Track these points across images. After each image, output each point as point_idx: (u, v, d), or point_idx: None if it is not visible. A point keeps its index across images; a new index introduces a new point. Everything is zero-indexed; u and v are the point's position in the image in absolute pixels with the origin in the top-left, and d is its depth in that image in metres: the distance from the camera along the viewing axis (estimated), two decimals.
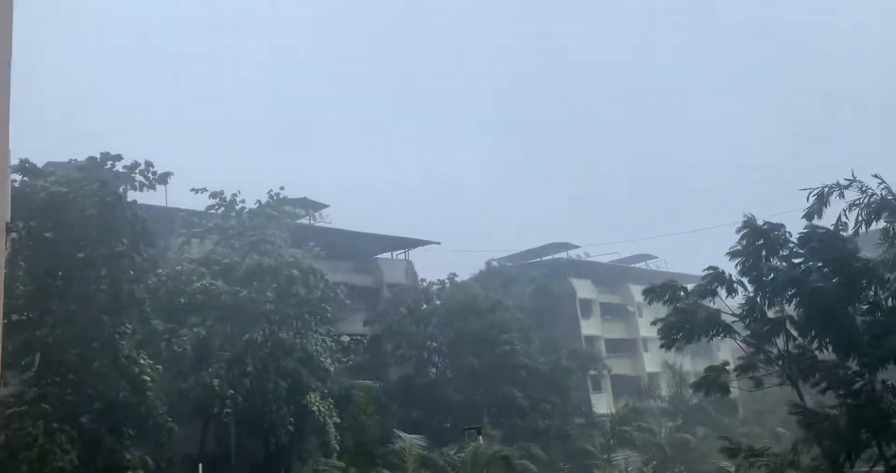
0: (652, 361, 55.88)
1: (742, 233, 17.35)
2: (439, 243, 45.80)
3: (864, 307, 15.60)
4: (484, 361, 37.39)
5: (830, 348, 16.05)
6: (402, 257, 45.96)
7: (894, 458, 15.77)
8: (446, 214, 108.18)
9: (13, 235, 21.11)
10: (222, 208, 29.76)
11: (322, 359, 27.65)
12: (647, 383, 55.22)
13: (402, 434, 25.93)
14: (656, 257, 64.34)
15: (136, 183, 24.26)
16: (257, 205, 30.12)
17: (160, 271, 25.53)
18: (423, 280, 43.08)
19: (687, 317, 18.03)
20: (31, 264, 21.50)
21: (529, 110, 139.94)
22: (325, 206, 42.00)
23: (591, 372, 47.62)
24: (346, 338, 32.27)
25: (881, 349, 14.76)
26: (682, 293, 18.50)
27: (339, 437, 26.91)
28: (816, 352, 16.69)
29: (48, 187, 21.82)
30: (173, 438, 24.20)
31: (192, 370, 25.53)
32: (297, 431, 27.10)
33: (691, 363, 47.84)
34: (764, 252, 17.18)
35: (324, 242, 33.41)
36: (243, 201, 30.03)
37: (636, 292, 55.02)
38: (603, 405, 49.58)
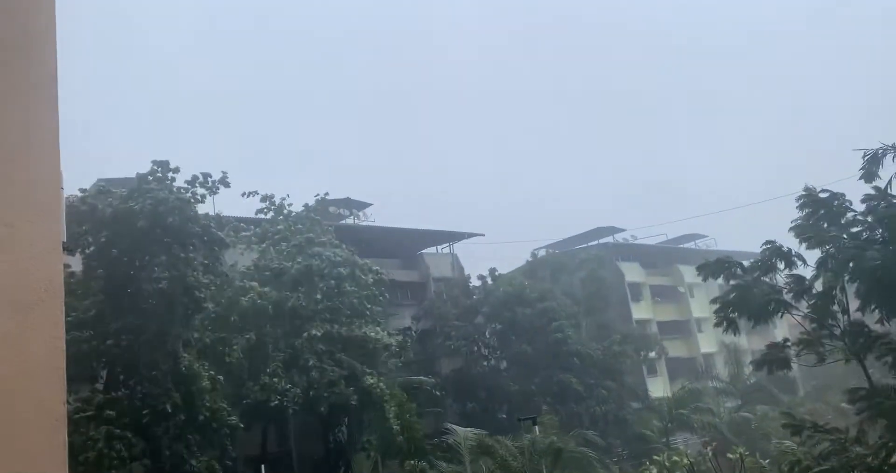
0: (706, 341, 55.05)
1: (802, 204, 16.66)
2: (483, 236, 45.86)
3: None
4: (536, 349, 37.33)
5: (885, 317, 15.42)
6: (446, 251, 46.09)
7: None
8: (490, 205, 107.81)
9: (81, 250, 22.08)
10: (271, 212, 30.12)
11: (380, 347, 27.95)
12: (702, 364, 54.40)
13: (457, 428, 26.00)
14: (706, 236, 63.29)
15: (198, 194, 24.52)
16: (304, 208, 30.50)
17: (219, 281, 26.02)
18: (470, 276, 43.00)
19: (746, 293, 17.42)
20: (101, 278, 22.28)
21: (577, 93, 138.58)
22: (367, 204, 42.35)
23: (647, 355, 47.08)
24: (397, 336, 32.45)
25: None
26: (738, 270, 17.93)
27: (398, 430, 27.11)
28: (878, 325, 16.12)
29: (114, 203, 22.51)
30: (237, 441, 24.79)
31: (251, 375, 26.04)
32: (356, 425, 27.45)
33: (747, 342, 46.95)
34: (825, 224, 16.51)
35: (368, 240, 33.73)
36: (291, 205, 30.39)
37: (686, 272, 54.27)
38: (659, 388, 49.03)
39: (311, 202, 30.97)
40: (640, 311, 55.18)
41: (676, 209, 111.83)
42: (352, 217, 41.21)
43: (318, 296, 27.57)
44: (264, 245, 29.45)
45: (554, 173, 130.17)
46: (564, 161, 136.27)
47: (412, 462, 25.80)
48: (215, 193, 24.86)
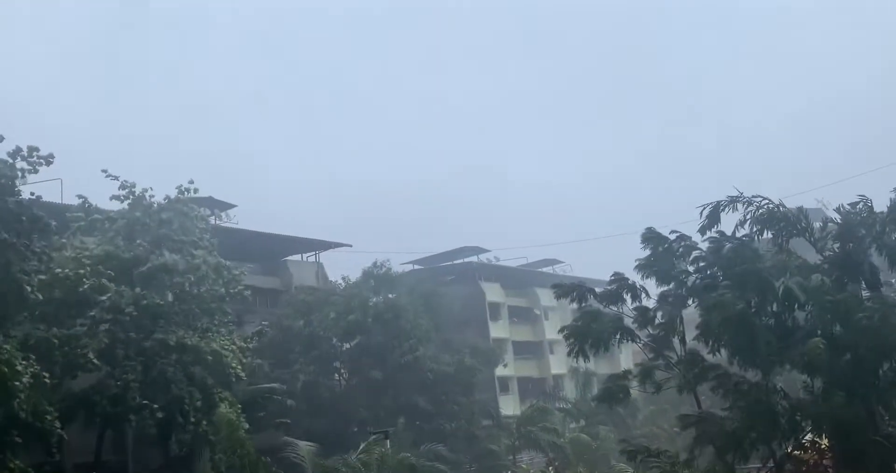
0: (557, 363, 57.12)
1: (646, 242, 17.95)
2: (350, 246, 45.47)
3: (766, 317, 16.37)
4: (390, 364, 37.03)
5: (728, 353, 16.74)
6: (313, 259, 45.31)
7: (782, 457, 16.68)
8: (365, 218, 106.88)
9: None
10: (128, 201, 28.21)
11: (228, 361, 26.76)
12: (552, 384, 56.50)
13: (300, 443, 25.42)
14: (563, 262, 65.92)
15: (20, 170, 21.49)
16: (166, 200, 28.66)
17: (57, 270, 24.01)
18: (340, 282, 41.96)
19: (593, 320, 18.40)
20: None
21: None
22: (231, 206, 40.87)
23: (497, 371, 48.11)
24: (250, 342, 31.32)
25: (778, 355, 15.55)
26: (590, 296, 18.94)
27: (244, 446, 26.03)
28: (710, 356, 17.45)
29: None
30: (65, 446, 23.10)
31: (95, 375, 24.53)
32: (202, 437, 26.19)
33: (595, 365, 49.22)
34: (671, 260, 17.80)
35: (229, 243, 32.49)
36: (153, 196, 28.48)
37: (543, 295, 56.22)
38: (510, 406, 50.35)
39: (174, 195, 28.99)
40: (497, 330, 56.50)
41: (537, 235, 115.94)
42: (213, 217, 39.67)
43: (171, 299, 26.17)
44: (111, 235, 27.48)
45: (433, 190, 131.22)
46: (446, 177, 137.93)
47: None
48: (36, 171, 21.97)
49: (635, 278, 18.39)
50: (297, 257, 45.05)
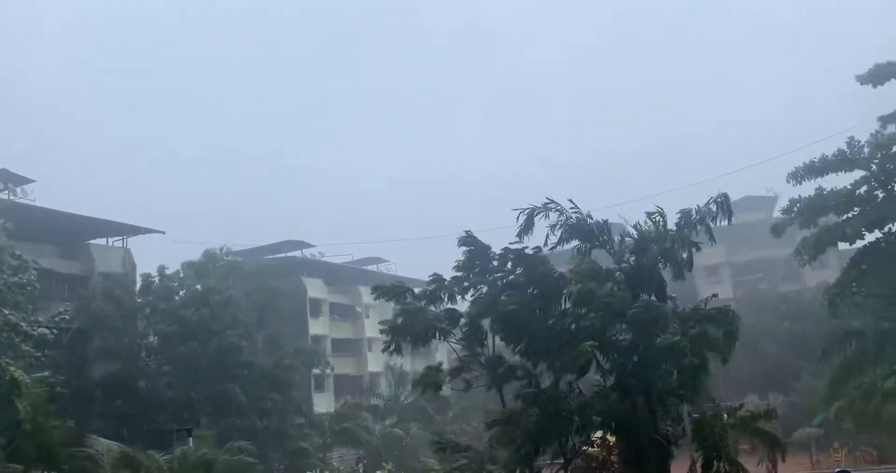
0: (375, 361, 57.42)
1: (462, 247, 18.80)
2: (163, 233, 42.86)
3: (551, 321, 17.60)
4: (204, 357, 35.66)
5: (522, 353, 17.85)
6: (120, 244, 42.19)
7: (572, 451, 17.87)
8: (191, 208, 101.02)
9: None
10: None
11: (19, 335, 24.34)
12: (368, 382, 56.74)
13: (99, 439, 23.69)
14: (388, 261, 66.46)
15: None
16: None
17: None
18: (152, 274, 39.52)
19: (411, 319, 19.00)
20: None
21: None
22: (29, 180, 37.18)
23: (315, 371, 47.68)
24: (44, 330, 28.72)
25: (565, 355, 16.68)
26: (408, 297, 19.50)
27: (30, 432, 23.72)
28: (515, 357, 18.46)
29: None
30: None
31: None
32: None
33: (411, 364, 50.01)
34: (485, 264, 18.70)
35: (24, 221, 29.58)
36: None
37: (365, 293, 56.29)
38: (325, 404, 49.94)
39: None
40: (317, 327, 55.98)
41: (365, 232, 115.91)
42: (7, 192, 35.90)
43: None
44: None
45: (258, 182, 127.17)
46: (269, 169, 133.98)
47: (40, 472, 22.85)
48: None
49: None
50: (102, 241, 41.73)
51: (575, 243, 18.06)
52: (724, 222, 17.99)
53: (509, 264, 18.52)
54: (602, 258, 18.63)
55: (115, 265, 39.79)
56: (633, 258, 18.21)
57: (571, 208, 17.84)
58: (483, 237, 19.17)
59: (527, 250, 18.30)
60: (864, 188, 27.55)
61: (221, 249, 43.63)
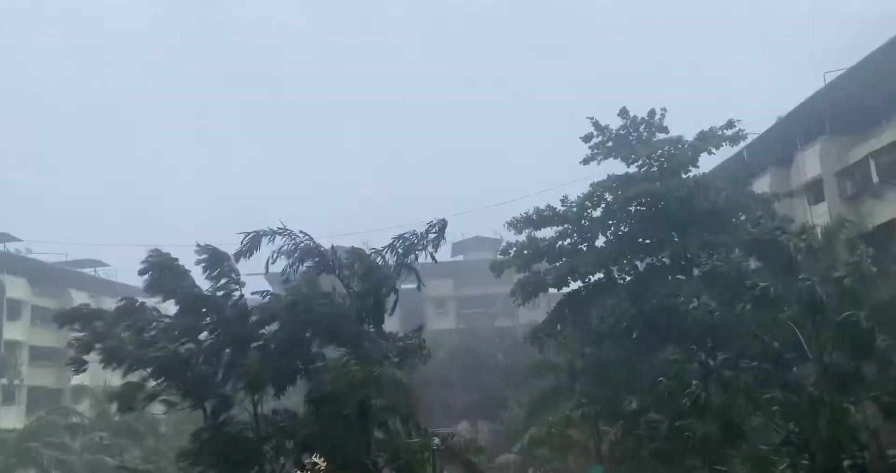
0: (81, 374, 52.21)
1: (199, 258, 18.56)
2: None
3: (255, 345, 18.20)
4: None
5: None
6: None
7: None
8: None
9: None
10: None
11: None
12: (72, 396, 51.54)
13: None
14: (108, 266, 61.12)
15: None
16: None
17: None
18: None
19: (98, 338, 19.17)
20: None
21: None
22: None
23: (2, 381, 42.31)
24: None
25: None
26: (99, 322, 18.82)
27: None
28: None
29: None
30: None
31: None
32: None
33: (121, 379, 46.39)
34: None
35: None
36: None
37: (78, 297, 51.22)
38: (13, 419, 44.36)
39: None
40: (14, 331, 49.86)
41: (85, 233, 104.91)
42: None
43: None
44: None
45: None
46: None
47: None
48: None
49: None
50: None
51: (303, 267, 18.69)
52: (440, 248, 19.46)
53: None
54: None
55: None
56: (359, 284, 19.19)
57: (302, 234, 18.47)
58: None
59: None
60: (567, 241, 29.74)
61: None
